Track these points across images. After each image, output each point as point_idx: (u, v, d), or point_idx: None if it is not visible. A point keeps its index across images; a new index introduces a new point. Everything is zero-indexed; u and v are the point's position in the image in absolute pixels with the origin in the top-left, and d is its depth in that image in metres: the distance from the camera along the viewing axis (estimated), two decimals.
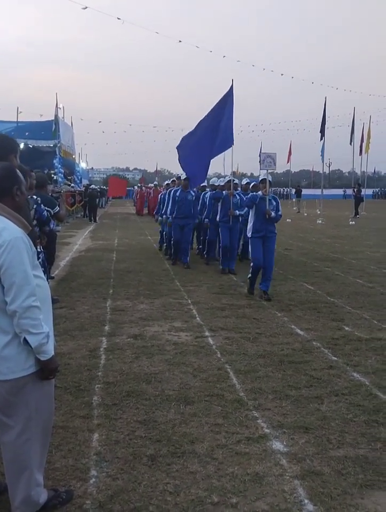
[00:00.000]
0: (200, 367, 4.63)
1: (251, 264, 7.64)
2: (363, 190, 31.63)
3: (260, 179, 8.12)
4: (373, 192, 67.11)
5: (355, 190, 28.92)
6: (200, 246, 12.02)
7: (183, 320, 6.30)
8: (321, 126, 24.87)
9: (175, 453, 3.13)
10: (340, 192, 66.67)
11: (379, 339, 5.53)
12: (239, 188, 11.14)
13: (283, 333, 5.75)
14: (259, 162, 8.47)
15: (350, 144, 26.49)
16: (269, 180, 7.76)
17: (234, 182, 10.09)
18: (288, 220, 23.62)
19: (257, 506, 2.63)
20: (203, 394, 4.01)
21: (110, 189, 34.20)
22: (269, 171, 8.11)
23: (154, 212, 21.89)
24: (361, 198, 29.34)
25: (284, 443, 3.29)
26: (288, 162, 43.46)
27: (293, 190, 43.07)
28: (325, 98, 24.69)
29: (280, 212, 7.68)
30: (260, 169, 8.46)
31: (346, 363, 4.79)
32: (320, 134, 24.91)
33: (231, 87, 9.92)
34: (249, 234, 7.62)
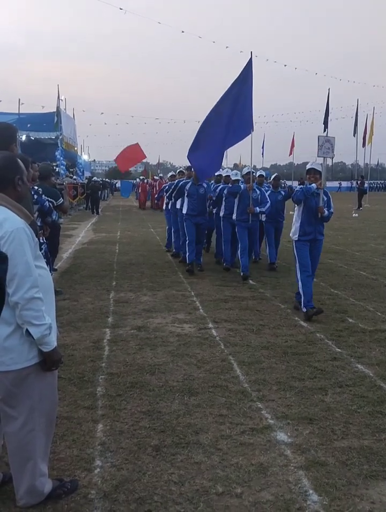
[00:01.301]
0: (204, 358, 4.63)
1: (298, 277, 6.19)
2: (366, 182, 31.53)
3: (308, 168, 6.38)
4: (368, 185, 64.89)
5: (358, 182, 28.82)
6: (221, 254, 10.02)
7: (186, 311, 6.29)
8: (324, 117, 24.68)
9: (179, 443, 3.13)
10: (335, 184, 62.58)
11: (383, 331, 5.51)
12: (263, 182, 9.66)
13: (286, 325, 5.74)
14: (318, 147, 6.56)
15: (354, 136, 26.39)
16: (320, 171, 6.38)
17: (256, 174, 8.76)
18: (291, 212, 23.51)
19: (261, 496, 2.63)
20: (207, 386, 4.01)
21: (122, 163, 25.94)
22: (328, 158, 6.93)
23: (155, 198, 19.60)
24: (364, 190, 29.25)
25: (289, 434, 3.29)
26: (290, 154, 43.35)
27: (296, 183, 42.96)
28: (328, 89, 24.55)
29: (332, 210, 6.42)
30: (318, 156, 6.78)
31: (349, 354, 4.78)
32: (323, 125, 24.77)
33: (250, 60, 8.35)
34: (295, 237, 6.21)
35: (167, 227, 11.84)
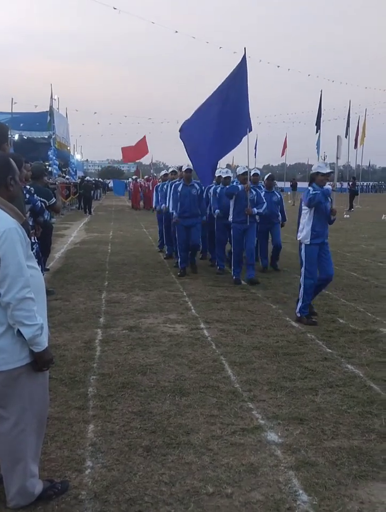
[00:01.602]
0: (195, 358, 4.64)
1: (302, 281, 5.96)
2: (358, 183, 31.68)
3: (320, 170, 6.05)
4: (360, 186, 63.92)
5: (350, 183, 28.97)
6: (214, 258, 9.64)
7: (178, 312, 6.30)
8: (317, 118, 24.90)
9: (170, 444, 3.14)
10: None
11: (373, 332, 5.55)
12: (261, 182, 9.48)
13: (278, 325, 5.76)
14: (337, 146, 6.55)
15: (346, 137, 26.53)
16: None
17: (253, 173, 8.47)
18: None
19: (252, 496, 2.64)
20: (198, 386, 4.02)
21: (127, 154, 26.70)
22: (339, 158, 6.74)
23: (154, 204, 19.93)
24: (355, 191, 29.40)
25: (279, 434, 3.31)
26: (283, 155, 43.46)
27: (288, 184, 43.00)
28: (321, 90, 24.70)
29: None
30: (337, 157, 6.58)
31: (340, 355, 4.81)
32: (316, 126, 24.92)
33: (244, 57, 7.94)
34: (307, 241, 5.91)
35: (159, 228, 11.67)
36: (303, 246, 5.99)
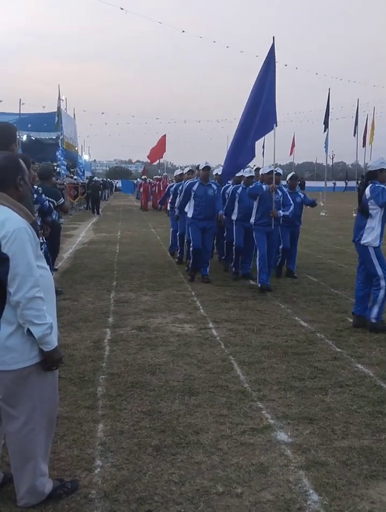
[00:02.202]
0: (204, 358, 4.63)
1: (379, 285, 5.42)
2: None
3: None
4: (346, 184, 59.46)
5: (358, 182, 28.85)
6: (223, 255, 9.47)
7: (187, 311, 6.30)
8: (325, 117, 24.78)
9: (179, 443, 3.14)
10: (329, 184, 59.98)
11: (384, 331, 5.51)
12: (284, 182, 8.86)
13: (287, 324, 5.74)
14: None
15: (354, 136, 26.41)
16: None
17: (276, 173, 7.60)
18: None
19: (261, 496, 2.63)
20: (207, 386, 4.01)
21: (152, 156, 26.96)
22: None
23: (159, 202, 17.48)
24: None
25: (289, 433, 3.29)
26: (291, 154, 43.34)
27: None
28: (329, 89, 24.59)
29: None
30: None
31: (350, 354, 4.78)
32: (324, 125, 24.82)
33: (272, 46, 7.62)
34: (376, 243, 5.44)
35: (172, 229, 10.76)
36: (371, 250, 5.47)
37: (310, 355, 4.73)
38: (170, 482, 2.74)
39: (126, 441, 3.16)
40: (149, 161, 27.31)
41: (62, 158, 24.34)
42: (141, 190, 28.79)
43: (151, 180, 30.37)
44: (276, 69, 7.62)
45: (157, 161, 30.28)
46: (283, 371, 4.33)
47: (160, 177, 28.44)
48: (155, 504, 2.56)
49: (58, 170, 23.05)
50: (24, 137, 24.48)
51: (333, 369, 4.41)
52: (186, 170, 10.37)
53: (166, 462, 2.93)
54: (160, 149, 25.06)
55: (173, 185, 10.98)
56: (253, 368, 4.41)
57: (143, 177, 31.30)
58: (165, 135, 22.71)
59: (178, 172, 11.12)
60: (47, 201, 5.93)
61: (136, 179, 45.98)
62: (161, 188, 24.24)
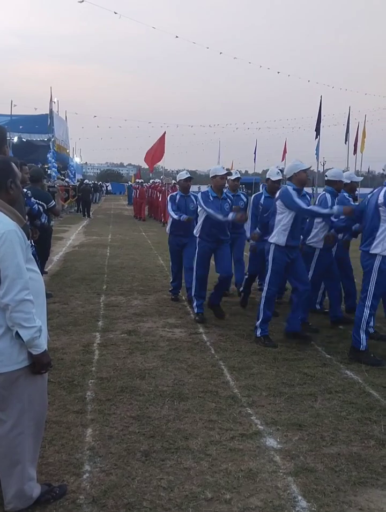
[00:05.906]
0: (194, 363, 4.63)
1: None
2: (357, 189, 31.67)
3: None
4: (358, 192, 60.37)
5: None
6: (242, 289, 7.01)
7: (177, 316, 6.29)
8: (316, 124, 24.89)
9: (168, 449, 3.13)
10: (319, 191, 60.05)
11: (372, 338, 5.53)
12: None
13: (277, 330, 5.74)
14: None
15: (345, 143, 26.57)
16: None
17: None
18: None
19: (250, 502, 2.63)
20: (197, 391, 4.01)
21: (150, 161, 21.07)
22: None
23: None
24: (355, 197, 29.42)
25: (278, 439, 3.30)
26: (282, 160, 43.46)
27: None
28: (321, 96, 24.72)
29: None
30: None
31: (339, 361, 4.80)
32: (315, 132, 24.94)
33: None
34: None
35: (172, 260, 7.42)
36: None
37: (299, 361, 4.74)
38: (159, 488, 2.73)
39: (115, 446, 3.15)
40: (148, 166, 24.31)
41: (53, 160, 24.26)
42: (137, 195, 24.62)
43: (147, 184, 26.96)
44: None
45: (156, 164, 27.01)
46: (272, 377, 4.34)
47: (159, 181, 24.09)
48: (144, 509, 2.55)
49: (49, 172, 22.97)
50: (16, 139, 24.31)
51: (323, 375, 4.42)
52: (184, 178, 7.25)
53: (155, 468, 2.92)
54: (159, 150, 22.45)
55: (176, 194, 7.29)
56: (243, 373, 4.41)
57: (140, 180, 28.01)
58: (165, 133, 20.97)
59: (182, 175, 7.28)
60: (36, 204, 5.91)
61: (128, 182, 45.46)
62: (159, 196, 20.74)
